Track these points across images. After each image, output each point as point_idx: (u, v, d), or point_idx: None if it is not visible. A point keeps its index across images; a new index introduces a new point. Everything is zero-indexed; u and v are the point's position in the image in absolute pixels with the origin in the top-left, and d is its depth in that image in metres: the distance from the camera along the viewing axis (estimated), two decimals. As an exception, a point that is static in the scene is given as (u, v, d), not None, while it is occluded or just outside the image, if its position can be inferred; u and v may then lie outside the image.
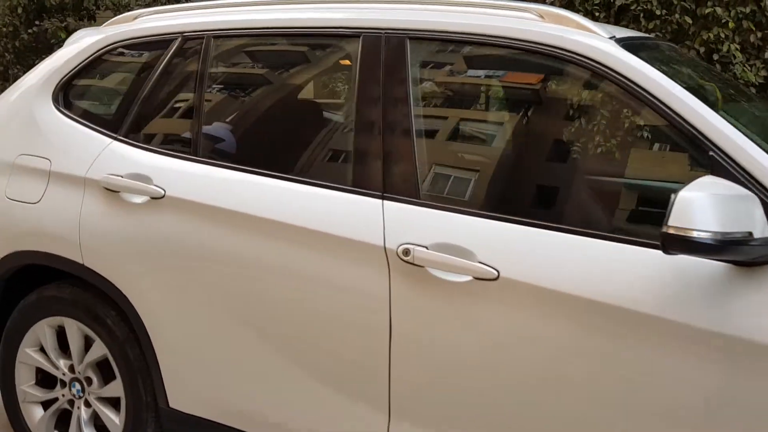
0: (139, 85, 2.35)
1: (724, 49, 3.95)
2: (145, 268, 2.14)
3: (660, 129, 1.70)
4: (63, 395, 2.40)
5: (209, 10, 2.32)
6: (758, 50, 4.09)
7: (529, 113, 1.83)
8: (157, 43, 2.35)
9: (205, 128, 2.17)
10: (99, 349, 2.30)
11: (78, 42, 2.51)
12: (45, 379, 2.47)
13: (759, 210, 1.45)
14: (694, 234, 1.37)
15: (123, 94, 2.40)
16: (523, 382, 1.68)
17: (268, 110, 2.19)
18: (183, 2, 2.48)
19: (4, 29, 7.34)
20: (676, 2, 4.00)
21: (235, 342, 2.04)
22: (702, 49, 4.01)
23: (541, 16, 1.86)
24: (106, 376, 2.34)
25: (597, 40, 1.74)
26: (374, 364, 1.83)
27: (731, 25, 3.93)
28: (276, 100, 2.20)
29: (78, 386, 2.38)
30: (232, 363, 2.06)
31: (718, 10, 3.92)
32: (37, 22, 7.14)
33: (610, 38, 1.78)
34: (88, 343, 2.36)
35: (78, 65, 2.45)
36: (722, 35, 3.95)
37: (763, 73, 4.05)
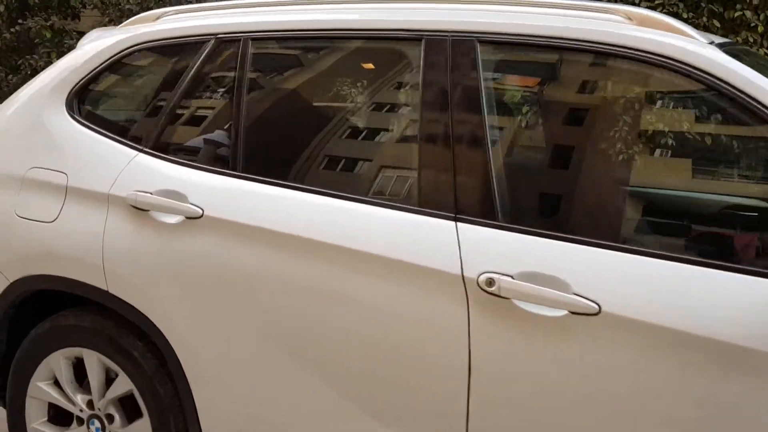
0: (167, 91, 2.13)
1: (753, 53, 3.84)
2: (179, 295, 1.92)
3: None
4: (80, 434, 2.18)
5: (245, 10, 2.11)
6: (787, 54, 3.99)
7: (624, 126, 1.66)
8: (186, 46, 2.13)
9: (246, 140, 1.96)
10: (123, 384, 2.08)
11: (94, 43, 2.28)
12: (59, 416, 2.24)
13: None
14: None
15: (148, 101, 2.18)
16: (626, 428, 1.50)
17: (318, 121, 1.98)
18: (203, 1, 2.27)
19: (-15, 28, 7.02)
20: (704, 5, 3.87)
21: (282, 376, 1.83)
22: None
23: (629, 18, 1.69)
24: (131, 413, 2.12)
25: (700, 47, 1.57)
26: (450, 405, 1.64)
27: (760, 29, 3.82)
28: (326, 110, 2.00)
29: (97, 424, 2.15)
30: (278, 399, 1.85)
31: (747, 13, 3.81)
32: (20, 21, 6.84)
33: (710, 43, 1.61)
34: (110, 377, 2.14)
35: (95, 69, 2.22)
36: (751, 39, 3.83)
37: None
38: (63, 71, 2.27)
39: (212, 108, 2.08)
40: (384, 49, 1.92)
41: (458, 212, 1.67)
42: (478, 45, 1.74)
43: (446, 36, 1.77)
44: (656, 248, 1.50)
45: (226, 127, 2.01)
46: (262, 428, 1.90)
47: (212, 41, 2.07)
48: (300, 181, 1.88)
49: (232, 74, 2.03)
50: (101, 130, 2.15)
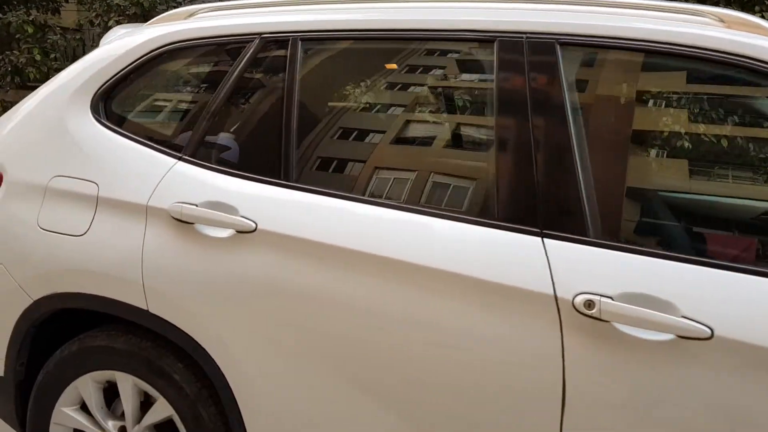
0: (207, 94, 1.98)
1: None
2: (229, 314, 1.77)
3: None
4: (112, 463, 2.02)
5: (291, 8, 1.97)
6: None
7: (728, 134, 1.56)
8: (226, 45, 1.98)
9: (299, 148, 1.82)
10: (162, 409, 1.92)
11: (121, 41, 2.12)
12: (87, 444, 2.08)
13: None
14: None
15: (185, 104, 2.02)
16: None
17: (378, 128, 1.85)
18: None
19: (-39, 22, 6.70)
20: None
21: (347, 402, 1.70)
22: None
23: (721, 20, 1.60)
24: (168, 440, 1.97)
25: None
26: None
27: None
28: (387, 116, 1.87)
29: (131, 452, 2.00)
30: (343, 428, 1.72)
31: None
32: (-1, 15, 6.54)
33: None
34: (144, 401, 1.98)
35: (124, 69, 2.05)
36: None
37: None
38: (86, 71, 2.10)
39: (258, 113, 1.93)
40: (450, 50, 1.79)
41: (544, 227, 1.55)
42: (558, 47, 1.63)
43: (521, 37, 1.66)
44: None
45: (274, 133, 1.86)
46: None
47: (257, 41, 1.92)
48: (362, 192, 1.75)
49: (280, 77, 1.89)
50: (133, 136, 1.99)
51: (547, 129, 1.59)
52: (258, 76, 1.94)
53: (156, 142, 1.98)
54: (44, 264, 1.98)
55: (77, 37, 6.44)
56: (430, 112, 1.81)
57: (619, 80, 1.66)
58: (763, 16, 3.90)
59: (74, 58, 7.09)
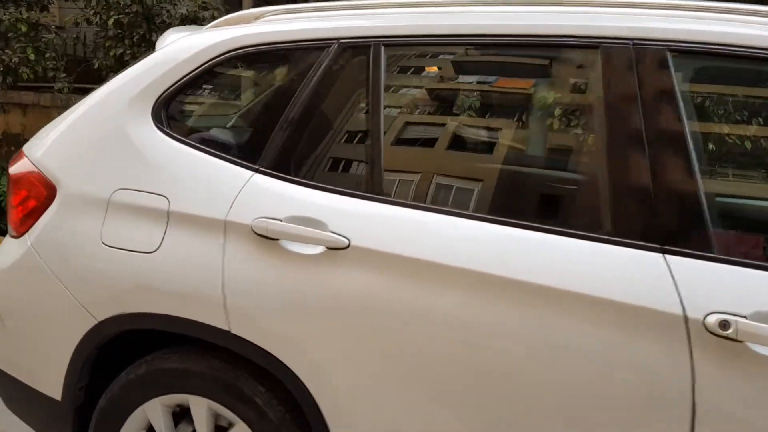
0: (282, 102, 1.88)
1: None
2: (320, 334, 1.69)
3: None
4: (185, 492, 1.93)
5: (371, 11, 1.88)
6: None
7: None
8: (301, 51, 1.89)
9: (389, 160, 1.73)
10: (242, 435, 1.83)
11: (181, 45, 2.00)
12: (154, 471, 1.98)
13: None
14: None
15: (258, 113, 1.92)
16: None
17: (472, 139, 1.77)
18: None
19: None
20: None
21: (451, 428, 1.62)
22: None
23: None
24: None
25: None
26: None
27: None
28: (482, 126, 1.79)
29: (205, 479, 1.90)
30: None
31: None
32: (-12, 13, 6.29)
33: None
34: (219, 426, 1.89)
35: (188, 74, 1.94)
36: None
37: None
38: (145, 76, 1.99)
39: (341, 123, 1.84)
40: (549, 57, 1.73)
41: (664, 242, 1.49)
42: (669, 55, 1.57)
43: (628, 43, 1.60)
44: None
45: (360, 144, 1.78)
46: None
47: (335, 46, 1.83)
48: (461, 207, 1.67)
49: (362, 85, 1.81)
50: (202, 146, 1.89)
51: (663, 140, 1.53)
52: (337, 83, 1.86)
53: (228, 152, 1.88)
54: (111, 283, 1.88)
55: (74, 36, 6.23)
56: (530, 121, 1.74)
57: (735, 89, 1.61)
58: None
59: (73, 59, 6.88)
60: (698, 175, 1.50)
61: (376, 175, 1.73)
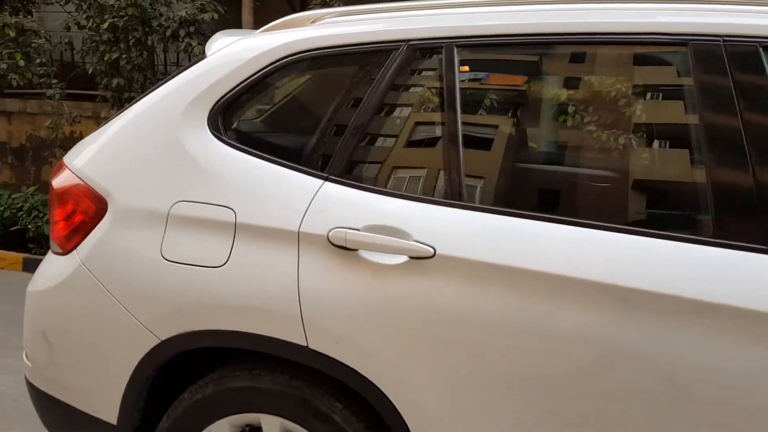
0: (348, 108, 1.81)
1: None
2: (405, 347, 1.63)
3: None
4: None
5: (442, 11, 1.82)
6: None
7: None
8: (368, 53, 1.82)
9: (469, 165, 1.68)
10: (318, 454, 1.76)
11: (234, 48, 1.92)
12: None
13: None
14: None
15: (323, 119, 1.85)
16: None
17: (558, 141, 1.72)
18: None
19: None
20: None
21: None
22: None
23: None
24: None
25: None
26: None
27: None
28: (567, 127, 1.74)
29: (278, 502, 1.83)
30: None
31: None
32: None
33: None
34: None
35: (246, 80, 1.86)
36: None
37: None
38: (199, 83, 1.90)
39: (416, 128, 1.78)
40: (632, 55, 1.68)
41: (770, 242, 1.46)
42: (762, 51, 1.54)
43: (718, 40, 1.56)
44: None
45: (438, 149, 1.72)
46: None
47: (403, 48, 1.76)
48: (551, 211, 1.63)
49: (435, 87, 1.75)
50: (265, 155, 1.81)
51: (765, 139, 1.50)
52: (407, 86, 1.79)
53: (292, 160, 1.81)
54: (175, 299, 1.79)
55: (66, 41, 6.05)
56: (617, 121, 1.69)
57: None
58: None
59: (61, 64, 6.70)
60: None
61: (456, 180, 1.67)
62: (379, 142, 1.79)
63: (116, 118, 2.04)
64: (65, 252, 1.97)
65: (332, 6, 4.92)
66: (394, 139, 1.79)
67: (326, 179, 1.75)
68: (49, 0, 6.35)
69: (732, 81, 1.53)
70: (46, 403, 2.09)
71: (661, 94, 1.69)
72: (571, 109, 1.72)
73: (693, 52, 1.57)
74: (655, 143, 1.68)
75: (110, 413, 1.92)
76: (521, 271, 1.55)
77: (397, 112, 1.80)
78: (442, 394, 1.62)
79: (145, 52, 5.69)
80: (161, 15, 5.56)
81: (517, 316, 1.55)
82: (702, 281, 1.46)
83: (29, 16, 6.95)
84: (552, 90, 1.76)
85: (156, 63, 6.17)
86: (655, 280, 1.47)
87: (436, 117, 1.75)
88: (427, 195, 1.70)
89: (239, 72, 1.87)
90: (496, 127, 1.76)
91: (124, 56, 5.54)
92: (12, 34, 5.78)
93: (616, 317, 1.49)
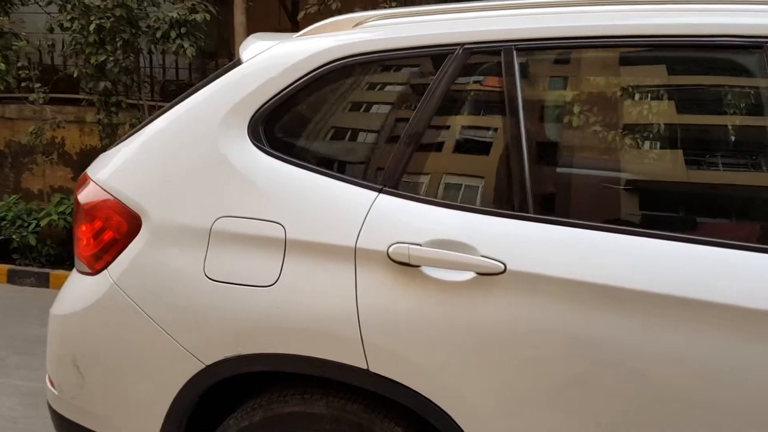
0: (400, 115, 1.73)
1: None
2: (474, 368, 1.54)
3: None
4: None
5: (497, 12, 1.74)
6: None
7: None
8: (420, 58, 1.73)
9: (536, 175, 1.60)
10: (378, 481, 1.67)
11: (273, 53, 1.81)
12: None
13: None
14: None
15: (374, 128, 1.76)
16: None
17: (626, 148, 1.65)
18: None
19: None
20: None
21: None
22: None
23: None
24: None
25: None
26: None
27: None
28: (635, 134, 1.66)
29: None
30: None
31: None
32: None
33: None
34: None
35: (288, 87, 1.76)
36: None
37: None
38: (237, 90, 1.79)
39: (474, 136, 1.70)
40: (701, 59, 1.62)
41: None
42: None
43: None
44: None
45: (501, 159, 1.64)
46: None
47: (458, 52, 1.68)
48: (627, 223, 1.56)
49: (495, 93, 1.67)
50: (314, 167, 1.72)
51: None
52: (464, 92, 1.71)
53: (342, 172, 1.72)
54: (222, 322, 1.68)
55: (49, 43, 5.84)
56: (686, 127, 1.62)
57: None
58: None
59: (41, 67, 6.46)
60: None
61: (522, 193, 1.59)
62: (435, 150, 1.70)
63: (142, 129, 1.92)
64: (95, 272, 1.84)
65: (331, 7, 4.81)
66: (451, 147, 1.71)
67: (380, 191, 1.66)
68: (28, 1, 6.09)
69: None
70: (72, 432, 1.97)
71: (742, 98, 1.63)
72: (636, 114, 1.65)
73: (768, 55, 1.51)
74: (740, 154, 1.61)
75: (147, 443, 1.81)
76: (616, 289, 1.47)
77: (452, 119, 1.71)
78: (513, 419, 1.54)
79: (132, 55, 5.51)
80: (149, 16, 5.39)
81: (600, 335, 1.48)
82: None
83: (6, 17, 6.71)
84: (624, 95, 1.69)
85: (143, 65, 5.99)
86: None
87: (496, 123, 1.67)
88: (489, 206, 1.62)
89: (281, 78, 1.77)
90: (562, 136, 1.69)
91: (111, 58, 5.35)
92: (-5, 39, 5.56)
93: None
